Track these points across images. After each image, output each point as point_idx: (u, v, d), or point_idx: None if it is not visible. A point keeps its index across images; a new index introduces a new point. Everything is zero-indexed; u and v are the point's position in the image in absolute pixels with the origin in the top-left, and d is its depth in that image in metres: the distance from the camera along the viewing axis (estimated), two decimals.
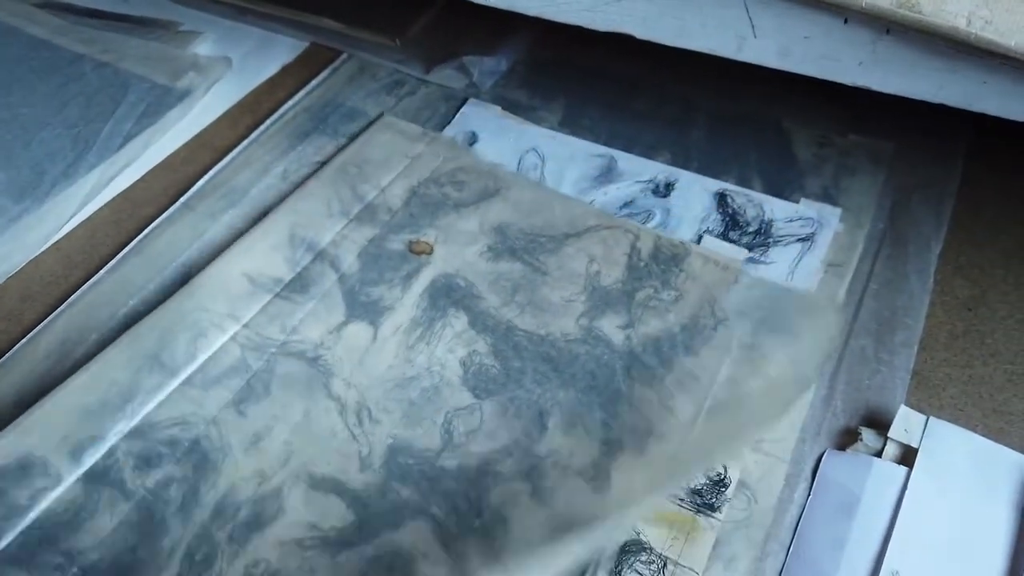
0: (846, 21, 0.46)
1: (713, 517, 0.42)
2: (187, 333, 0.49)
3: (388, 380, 0.48)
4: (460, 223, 0.55)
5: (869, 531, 0.41)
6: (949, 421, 0.44)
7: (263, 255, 0.54)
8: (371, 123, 0.63)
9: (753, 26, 0.49)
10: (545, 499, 0.42)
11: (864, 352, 0.49)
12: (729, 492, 0.42)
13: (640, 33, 0.52)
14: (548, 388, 0.46)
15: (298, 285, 0.52)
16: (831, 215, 0.56)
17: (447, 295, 0.52)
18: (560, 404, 0.46)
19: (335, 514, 0.42)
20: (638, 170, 0.60)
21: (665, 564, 0.40)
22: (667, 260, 0.52)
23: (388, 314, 0.51)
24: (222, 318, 0.50)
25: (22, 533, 0.41)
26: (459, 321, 0.50)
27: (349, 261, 0.53)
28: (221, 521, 0.42)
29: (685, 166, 0.60)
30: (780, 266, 0.53)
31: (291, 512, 0.42)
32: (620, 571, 0.40)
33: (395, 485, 0.43)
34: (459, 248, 0.54)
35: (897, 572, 0.40)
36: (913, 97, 0.48)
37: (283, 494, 0.43)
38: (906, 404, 0.45)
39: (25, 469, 0.43)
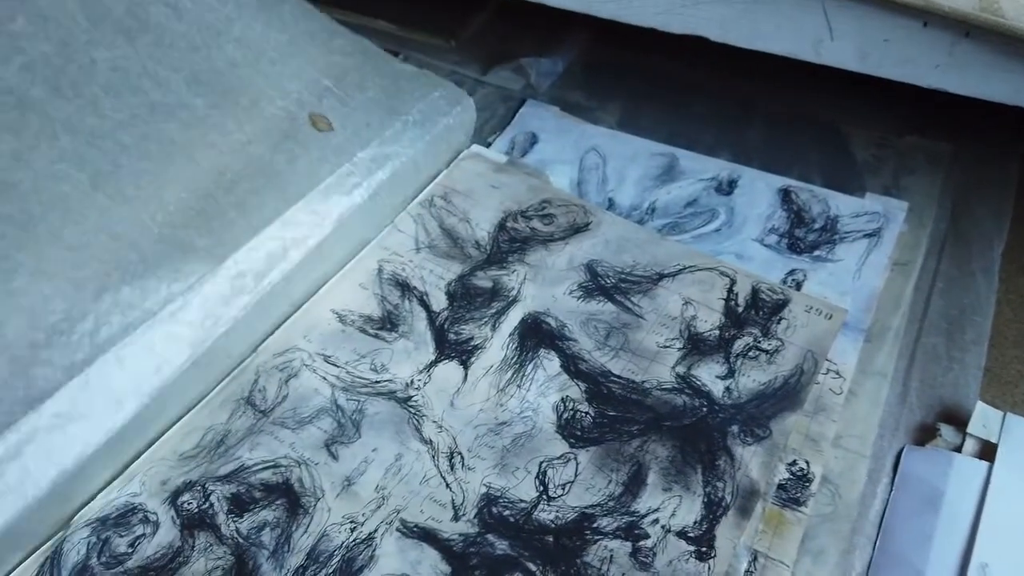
0: (925, 24, 0.47)
1: (799, 511, 0.42)
2: (280, 374, 0.49)
3: (480, 424, 0.47)
4: (549, 259, 0.54)
5: (955, 525, 0.42)
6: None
7: (351, 293, 0.53)
8: (458, 154, 0.62)
9: (831, 29, 0.49)
10: (646, 560, 0.41)
11: (936, 350, 0.50)
12: (813, 487, 0.43)
13: (716, 36, 0.52)
14: (646, 440, 0.45)
15: (387, 323, 0.52)
16: (898, 209, 0.55)
17: (536, 334, 0.50)
18: (659, 459, 0.44)
19: (429, 565, 0.41)
20: (700, 168, 0.59)
21: (755, 557, 0.40)
22: (767, 307, 0.50)
23: (478, 353, 0.50)
24: (313, 357, 0.50)
25: None
26: (551, 364, 0.49)
27: (438, 298, 0.53)
28: (315, 568, 0.41)
29: (747, 164, 0.59)
30: (848, 263, 0.53)
31: (384, 561, 0.42)
32: None
33: (490, 537, 0.42)
34: (548, 286, 0.53)
35: (986, 565, 0.41)
36: (990, 99, 0.49)
37: (376, 542, 0.42)
38: (980, 398, 0.47)
39: (126, 516, 0.43)
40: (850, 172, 0.59)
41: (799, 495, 0.43)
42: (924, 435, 0.46)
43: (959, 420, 0.46)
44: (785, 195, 0.57)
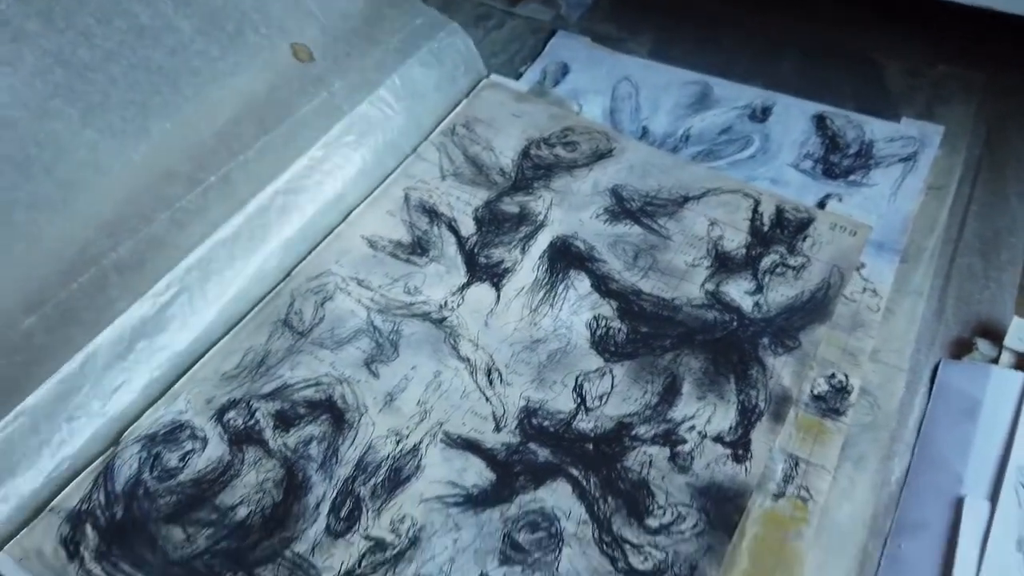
0: None
1: (839, 421, 0.44)
2: (314, 297, 0.50)
3: (515, 342, 0.48)
4: (574, 184, 0.55)
5: (994, 432, 0.44)
6: None
7: (380, 219, 0.54)
8: (477, 83, 0.62)
9: None
10: (684, 464, 0.42)
11: (971, 269, 0.51)
12: (852, 398, 0.45)
13: None
14: (679, 353, 0.46)
15: (418, 247, 0.52)
16: (934, 133, 0.56)
17: (566, 257, 0.51)
18: (692, 370, 0.46)
19: (474, 471, 0.43)
20: (734, 96, 0.60)
21: (797, 463, 0.42)
22: (792, 225, 0.51)
23: (509, 276, 0.51)
24: (346, 281, 0.51)
25: (176, 493, 0.42)
26: (582, 284, 0.50)
27: (466, 223, 0.53)
28: (364, 478, 0.43)
29: (779, 91, 0.60)
30: (882, 188, 0.54)
31: (430, 470, 0.43)
32: None
33: (532, 446, 0.44)
34: (575, 211, 0.54)
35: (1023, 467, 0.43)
36: None
37: (421, 452, 0.44)
38: (1017, 314, 0.49)
39: (175, 433, 0.44)
40: (884, 101, 0.59)
41: (838, 406, 0.44)
42: (960, 349, 0.48)
43: (995, 335, 0.48)
44: (820, 121, 0.57)
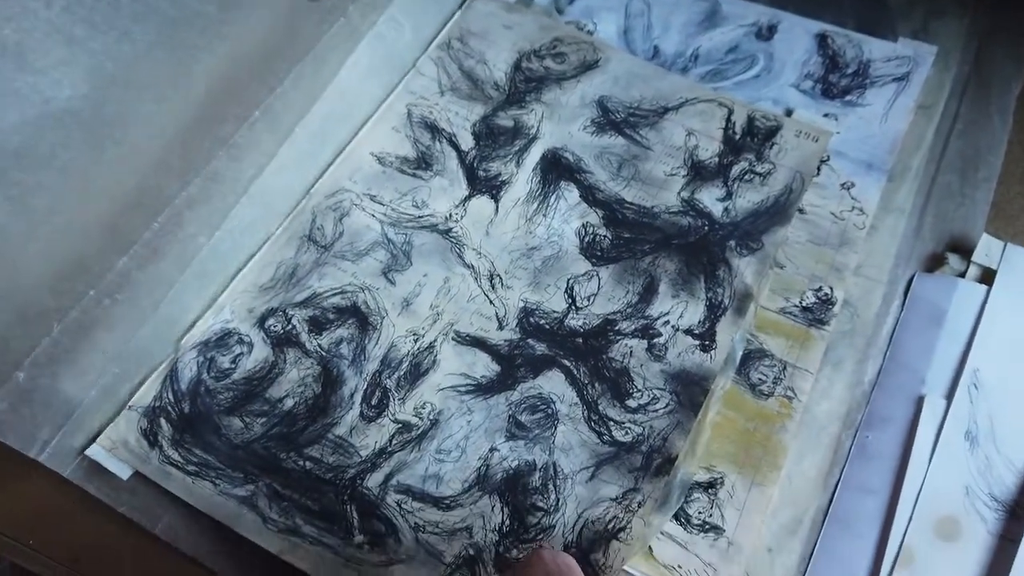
0: None
1: (823, 329, 0.51)
2: (333, 213, 0.56)
3: (514, 250, 0.54)
4: (563, 97, 0.60)
5: (955, 339, 0.50)
6: (1022, 246, 0.52)
7: (386, 136, 0.59)
8: None
9: None
10: (659, 354, 0.50)
11: (950, 187, 0.55)
12: (836, 309, 0.51)
13: None
14: (657, 257, 0.53)
15: (422, 162, 0.58)
16: (927, 54, 0.59)
17: (556, 168, 0.57)
18: (668, 272, 0.52)
19: (482, 364, 0.51)
20: (741, 13, 0.63)
21: (785, 367, 0.50)
22: (762, 133, 0.57)
23: (506, 188, 0.57)
24: (360, 197, 0.56)
25: (231, 390, 0.50)
26: (571, 194, 0.56)
27: (465, 138, 0.58)
28: (388, 372, 0.51)
29: (784, 10, 0.62)
30: (876, 108, 0.58)
31: (444, 364, 0.51)
32: (748, 373, 0.49)
33: (530, 342, 0.51)
34: (564, 123, 0.59)
35: (978, 370, 0.49)
36: None
37: (436, 349, 0.51)
38: (986, 231, 0.53)
39: (224, 339, 0.52)
40: (882, 16, 0.61)
41: (823, 316, 0.51)
42: (934, 263, 0.53)
43: (965, 250, 0.52)
44: (822, 40, 0.60)
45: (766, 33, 0.61)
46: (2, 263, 0.48)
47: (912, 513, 0.46)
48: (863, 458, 0.48)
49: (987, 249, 0.52)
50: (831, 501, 0.47)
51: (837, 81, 0.59)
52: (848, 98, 0.58)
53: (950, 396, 0.48)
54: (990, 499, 0.46)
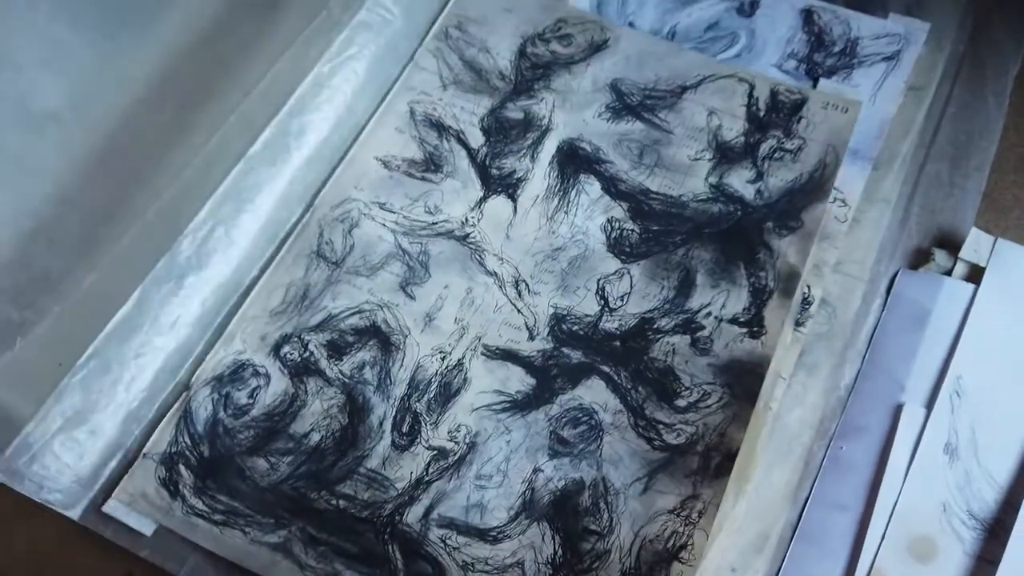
0: None
1: (798, 331, 0.48)
2: (341, 225, 0.52)
3: (537, 252, 0.51)
4: (574, 83, 0.56)
5: (937, 342, 0.47)
6: (1014, 241, 0.49)
7: (390, 138, 0.55)
8: None
9: None
10: (705, 347, 0.47)
11: (939, 176, 0.52)
12: (812, 310, 0.48)
13: None
14: (690, 248, 0.50)
15: (431, 164, 0.54)
16: (919, 31, 0.56)
17: (574, 161, 0.54)
18: (704, 261, 0.49)
19: (516, 378, 0.48)
20: None
21: None
22: (787, 108, 0.53)
23: (523, 185, 0.53)
24: (369, 206, 0.53)
25: (252, 427, 0.47)
26: (592, 188, 0.53)
27: (474, 134, 0.55)
28: (417, 395, 0.47)
29: None
30: (864, 89, 0.54)
31: (476, 381, 0.48)
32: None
33: (565, 350, 0.48)
34: (577, 111, 0.55)
35: (961, 376, 0.46)
36: None
37: (465, 366, 0.48)
38: (975, 224, 0.50)
39: (239, 372, 0.48)
40: None
41: (799, 317, 0.48)
42: (920, 259, 0.49)
43: (953, 245, 0.49)
44: (807, 16, 0.56)
45: (748, 8, 0.57)
46: None
47: (885, 531, 0.43)
48: (836, 471, 0.45)
49: (976, 244, 0.49)
50: (800, 517, 0.44)
51: (822, 61, 0.55)
52: (834, 79, 0.54)
53: (930, 405, 0.45)
54: (968, 517, 0.43)
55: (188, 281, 0.50)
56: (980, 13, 0.56)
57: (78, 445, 0.46)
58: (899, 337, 0.47)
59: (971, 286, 0.48)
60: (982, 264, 0.48)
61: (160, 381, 0.48)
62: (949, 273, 0.49)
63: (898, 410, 0.45)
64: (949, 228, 0.50)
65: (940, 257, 0.49)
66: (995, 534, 0.43)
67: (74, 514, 0.45)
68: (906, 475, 0.44)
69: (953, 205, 0.51)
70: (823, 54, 0.55)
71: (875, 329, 0.48)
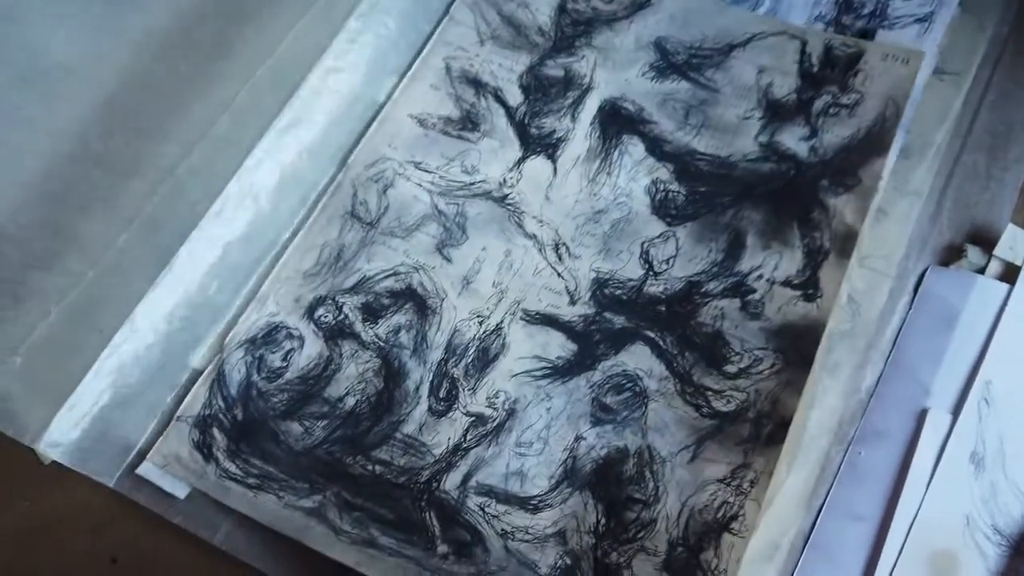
0: None
1: None
2: (375, 185, 0.51)
3: (579, 215, 0.49)
4: (616, 40, 0.54)
5: (967, 344, 0.44)
6: None
7: (425, 95, 0.53)
8: None
9: None
10: (756, 311, 0.45)
11: (975, 168, 0.48)
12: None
13: None
14: (740, 209, 0.48)
15: (468, 122, 0.52)
16: None
17: (616, 121, 0.51)
18: (755, 222, 0.47)
19: (557, 344, 0.46)
20: None
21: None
22: (842, 62, 0.51)
23: (563, 146, 0.51)
24: (404, 165, 0.51)
25: (286, 391, 0.46)
26: (636, 148, 0.50)
27: (512, 92, 0.53)
28: (455, 360, 0.46)
29: None
30: None
31: (515, 347, 0.46)
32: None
33: (607, 315, 0.46)
34: (620, 70, 0.53)
35: (991, 382, 0.43)
36: None
37: (504, 331, 0.47)
38: (1012, 220, 0.46)
39: (272, 335, 0.47)
40: None
41: None
42: (951, 255, 0.47)
43: (988, 242, 0.46)
44: None
45: None
46: None
47: (903, 545, 0.40)
48: (853, 478, 0.42)
49: (1012, 241, 0.45)
50: (813, 525, 0.41)
51: (851, 24, 0.52)
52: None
53: (957, 411, 0.42)
54: (993, 531, 0.40)
55: (221, 243, 0.49)
56: None
57: (119, 412, 0.45)
58: (926, 338, 0.44)
59: (1005, 286, 0.45)
60: (1017, 263, 0.45)
61: (194, 345, 0.47)
62: (982, 271, 0.46)
63: (922, 415, 0.43)
64: (983, 223, 0.47)
65: (973, 254, 0.46)
66: (1021, 551, 0.40)
67: (109, 481, 0.44)
68: (928, 485, 0.41)
69: (989, 199, 0.47)
70: (852, 16, 0.52)
71: (900, 329, 0.45)
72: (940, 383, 0.43)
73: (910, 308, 0.45)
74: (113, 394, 0.45)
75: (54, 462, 0.44)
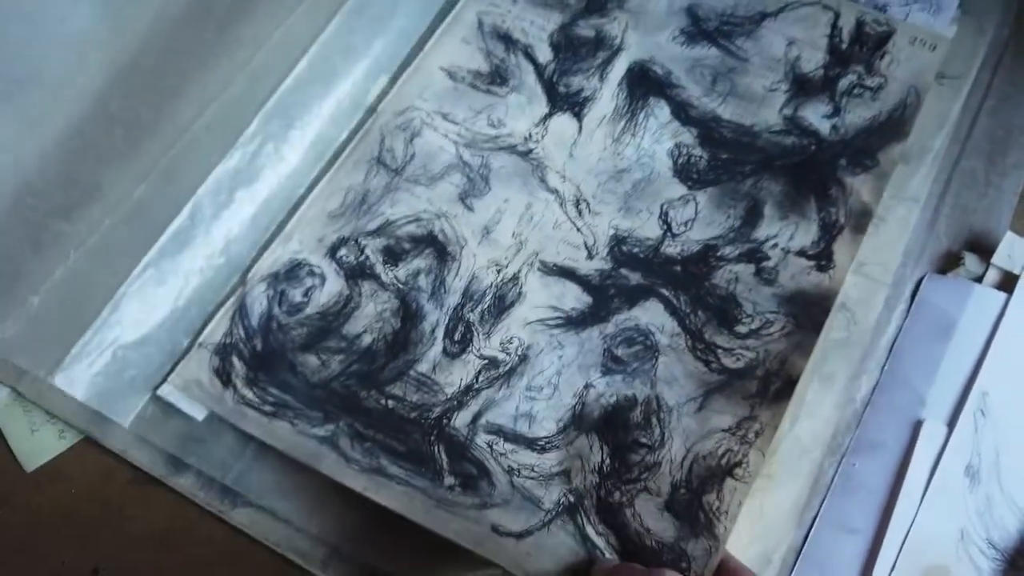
0: None
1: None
2: (403, 133, 0.51)
3: (601, 172, 0.50)
4: (648, 4, 0.54)
5: (963, 354, 0.44)
6: None
7: (456, 49, 0.54)
8: None
9: None
10: (769, 277, 0.46)
11: (974, 174, 0.48)
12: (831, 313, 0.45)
13: None
14: (760, 179, 0.49)
15: (497, 77, 0.53)
16: None
17: (644, 83, 0.52)
18: (773, 193, 0.48)
19: (572, 296, 0.47)
20: None
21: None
22: (872, 41, 0.51)
23: (590, 105, 0.52)
24: (432, 116, 0.52)
25: (305, 325, 0.47)
26: (662, 112, 0.51)
27: (542, 50, 0.53)
28: (471, 305, 0.47)
29: None
30: None
31: (531, 296, 0.47)
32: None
33: (623, 271, 0.47)
34: (651, 33, 0.53)
35: (987, 393, 0.43)
36: None
37: (520, 280, 0.47)
38: (1011, 228, 0.46)
39: (295, 271, 0.48)
40: None
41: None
42: (948, 263, 0.46)
43: (986, 249, 0.46)
44: None
45: None
46: (16, 185, 0.47)
47: (897, 558, 0.40)
48: (847, 490, 0.42)
49: (1010, 249, 0.45)
50: (806, 538, 0.41)
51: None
52: None
53: (952, 422, 0.42)
54: (988, 546, 0.40)
55: (238, 195, 0.50)
56: None
57: (135, 354, 0.46)
58: (922, 347, 0.44)
59: (1003, 295, 0.44)
60: (1016, 271, 0.45)
61: (210, 293, 0.48)
62: (980, 280, 0.45)
63: (917, 426, 0.43)
64: (982, 231, 0.47)
65: (970, 262, 0.46)
66: (1016, 566, 0.40)
67: (126, 421, 0.45)
68: (923, 498, 0.41)
69: (987, 206, 0.47)
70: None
71: (896, 338, 0.45)
72: (936, 394, 0.43)
73: (906, 317, 0.45)
74: (129, 334, 0.47)
75: (38, 469, 0.46)
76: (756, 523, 0.41)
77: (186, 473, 0.45)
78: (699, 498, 0.41)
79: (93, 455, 0.46)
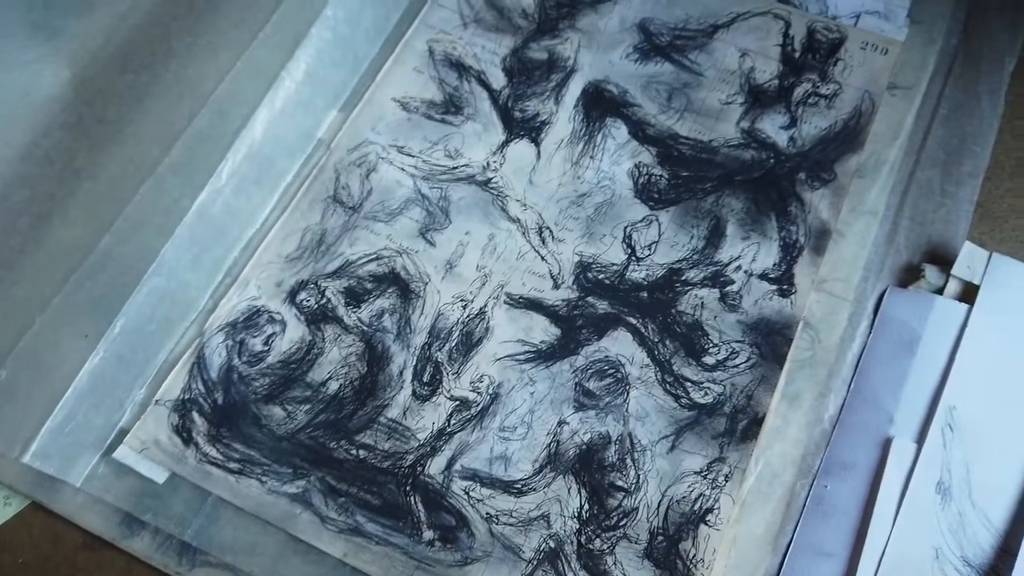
0: None
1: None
2: (358, 169, 0.50)
3: (562, 198, 0.49)
4: (600, 22, 0.53)
5: (929, 368, 0.43)
6: (1010, 254, 0.45)
7: (407, 78, 0.52)
8: None
9: None
10: (734, 303, 0.46)
11: (930, 184, 0.48)
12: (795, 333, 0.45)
13: None
14: (721, 195, 0.48)
15: (451, 106, 0.52)
16: None
17: (600, 104, 0.51)
18: (735, 211, 0.48)
19: (540, 328, 0.46)
20: None
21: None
22: (824, 48, 0.51)
23: (547, 129, 0.51)
24: (387, 149, 0.51)
25: (268, 375, 0.45)
26: (619, 132, 0.50)
27: (495, 75, 0.52)
28: (438, 344, 0.46)
29: None
30: None
31: (499, 330, 0.46)
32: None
33: (590, 300, 0.46)
34: (604, 52, 0.52)
35: (954, 407, 0.42)
36: None
37: (488, 315, 0.47)
38: (969, 237, 0.46)
39: (253, 319, 0.46)
40: None
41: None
42: (909, 276, 0.46)
43: (945, 260, 0.45)
44: None
45: None
46: None
47: None
48: (819, 513, 0.41)
49: (969, 260, 0.45)
50: (782, 564, 0.40)
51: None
52: None
53: (921, 439, 0.42)
54: (962, 563, 0.40)
55: (196, 233, 0.47)
56: (976, 3, 0.51)
57: (83, 407, 0.44)
58: (887, 363, 0.43)
59: (964, 306, 0.44)
60: (976, 282, 0.44)
61: (169, 333, 0.46)
62: (941, 291, 0.45)
63: (886, 445, 0.42)
64: (940, 241, 0.46)
65: (931, 274, 0.45)
66: None
67: (77, 481, 0.43)
68: (895, 517, 0.40)
69: (944, 216, 0.47)
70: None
71: (861, 354, 0.44)
72: (903, 411, 0.42)
73: (870, 333, 0.45)
74: (75, 385, 0.44)
75: None
76: (731, 552, 0.41)
77: (141, 533, 0.43)
78: (676, 546, 0.41)
79: (40, 520, 0.44)
